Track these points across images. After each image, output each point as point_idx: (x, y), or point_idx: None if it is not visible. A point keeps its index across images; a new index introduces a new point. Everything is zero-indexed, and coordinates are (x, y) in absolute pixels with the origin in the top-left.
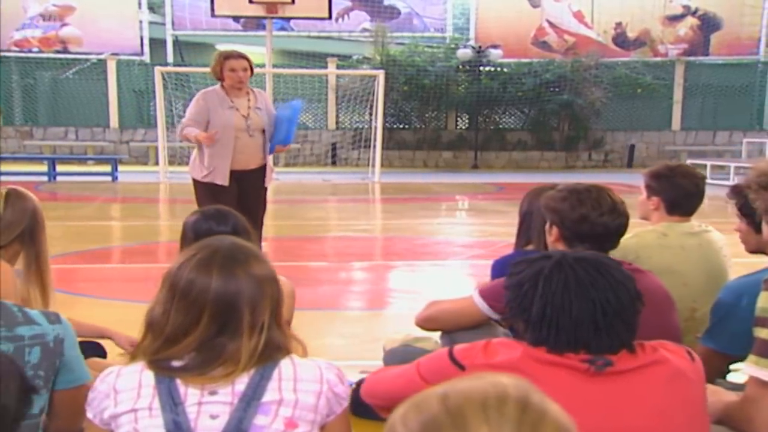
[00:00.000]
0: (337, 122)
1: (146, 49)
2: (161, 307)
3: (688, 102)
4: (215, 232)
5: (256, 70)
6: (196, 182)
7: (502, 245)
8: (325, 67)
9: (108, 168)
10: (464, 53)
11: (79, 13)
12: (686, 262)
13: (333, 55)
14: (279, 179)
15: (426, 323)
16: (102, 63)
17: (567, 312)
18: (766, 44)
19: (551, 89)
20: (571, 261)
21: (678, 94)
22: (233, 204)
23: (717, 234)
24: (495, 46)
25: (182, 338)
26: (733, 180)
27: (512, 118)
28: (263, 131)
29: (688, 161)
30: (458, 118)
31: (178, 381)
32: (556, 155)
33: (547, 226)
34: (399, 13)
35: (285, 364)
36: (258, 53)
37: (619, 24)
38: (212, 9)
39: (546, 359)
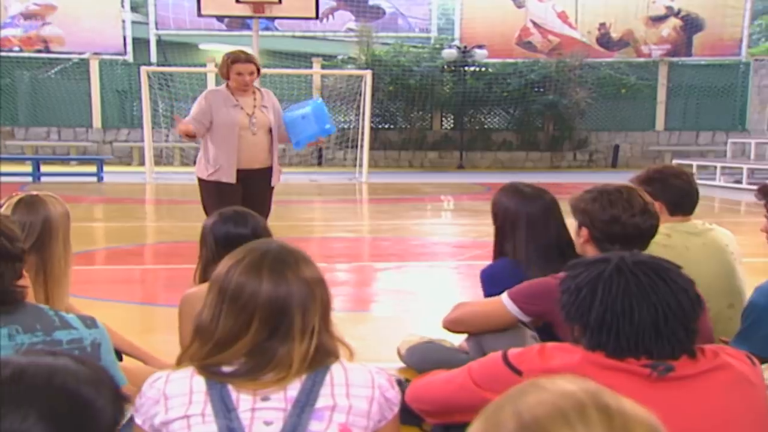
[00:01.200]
0: None
1: (129, 48)
2: (210, 312)
3: (672, 102)
4: (233, 234)
5: None
6: (201, 181)
7: None
8: (310, 67)
9: (92, 168)
10: (449, 53)
11: (61, 12)
12: (691, 262)
13: (317, 55)
14: None
15: (453, 325)
16: (84, 62)
17: (628, 317)
18: (748, 45)
19: (536, 89)
20: (630, 265)
21: (661, 95)
22: (238, 203)
23: (722, 231)
24: (480, 47)
25: (232, 343)
26: (719, 180)
27: (497, 118)
28: (269, 131)
29: (674, 161)
30: (443, 119)
31: (230, 387)
32: (541, 155)
33: (576, 227)
34: (384, 13)
35: (336, 369)
36: None
37: (602, 24)
38: (198, 8)
39: (606, 364)
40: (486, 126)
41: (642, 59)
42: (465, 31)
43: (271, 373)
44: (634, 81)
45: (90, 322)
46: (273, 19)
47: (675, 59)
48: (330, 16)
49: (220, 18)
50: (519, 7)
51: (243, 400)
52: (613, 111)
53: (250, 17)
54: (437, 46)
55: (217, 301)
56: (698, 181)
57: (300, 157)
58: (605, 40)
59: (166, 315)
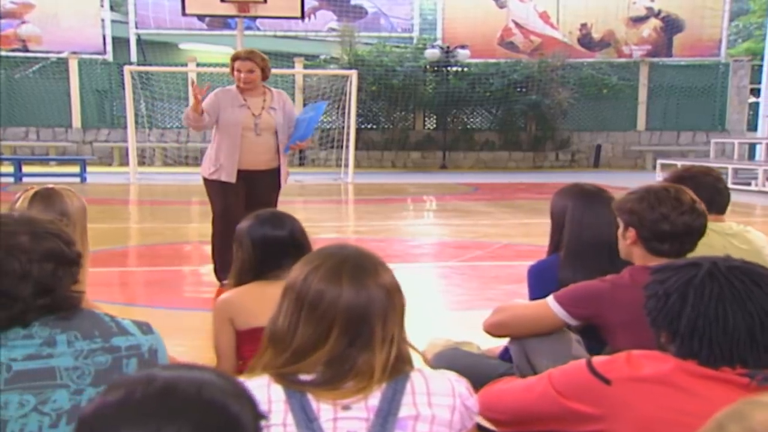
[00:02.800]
0: None
1: (109, 48)
2: (286, 320)
3: (653, 102)
4: (271, 236)
5: (226, 69)
6: (204, 180)
7: (498, 246)
8: (292, 67)
9: (75, 169)
10: (432, 53)
11: (39, 10)
12: None
13: (299, 55)
14: None
15: (495, 329)
16: (63, 62)
17: (721, 325)
18: (727, 46)
19: (518, 89)
20: (724, 270)
21: (642, 95)
22: (241, 203)
23: (756, 233)
24: (462, 47)
25: (311, 352)
26: None
27: (480, 118)
28: (275, 132)
29: (658, 161)
30: (426, 119)
31: (309, 396)
32: (523, 155)
33: (621, 228)
34: (366, 12)
35: (416, 377)
36: (223, 53)
37: (584, 25)
38: (183, 7)
39: (700, 373)
40: (469, 126)
41: (623, 60)
42: (447, 31)
43: (351, 382)
44: (615, 81)
45: (146, 328)
46: (254, 18)
47: (655, 60)
48: (312, 16)
49: (201, 17)
50: (501, 7)
51: (324, 409)
52: (594, 111)
53: (235, 17)
54: (420, 46)
55: (294, 308)
56: None
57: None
58: (586, 41)
59: (159, 316)
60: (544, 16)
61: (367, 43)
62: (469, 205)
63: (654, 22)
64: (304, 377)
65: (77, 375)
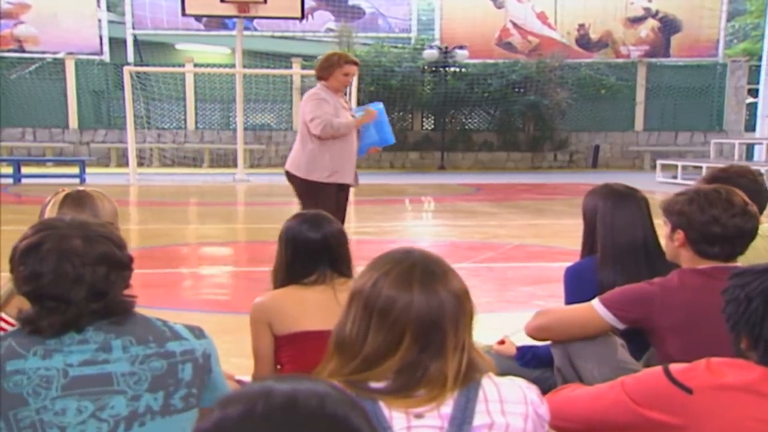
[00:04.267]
0: None
1: (106, 48)
2: (355, 327)
3: (651, 103)
4: (302, 237)
5: (225, 70)
6: (314, 184)
7: (510, 247)
8: (290, 68)
9: (73, 170)
10: (430, 54)
11: (35, 11)
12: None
13: (297, 56)
14: (249, 181)
15: (538, 333)
16: (60, 62)
17: None
18: (725, 46)
19: (517, 90)
20: None
21: (640, 95)
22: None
23: None
24: (461, 47)
25: (382, 359)
26: None
27: (478, 118)
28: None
29: (658, 161)
30: (424, 119)
31: (381, 403)
32: (522, 156)
33: (668, 230)
34: (363, 13)
35: (487, 384)
36: (220, 53)
37: (582, 25)
38: (183, 8)
39: None
40: (467, 126)
41: (621, 60)
42: (445, 31)
43: (423, 390)
44: (613, 81)
45: (198, 332)
46: (252, 18)
47: (653, 60)
48: (309, 16)
49: (198, 18)
50: (499, 7)
51: (396, 418)
52: (592, 111)
53: (236, 17)
54: (418, 46)
55: (362, 315)
56: (684, 182)
57: (280, 158)
58: (584, 41)
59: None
60: (542, 17)
61: (364, 44)
62: (473, 205)
63: (652, 23)
64: (375, 385)
65: (134, 381)
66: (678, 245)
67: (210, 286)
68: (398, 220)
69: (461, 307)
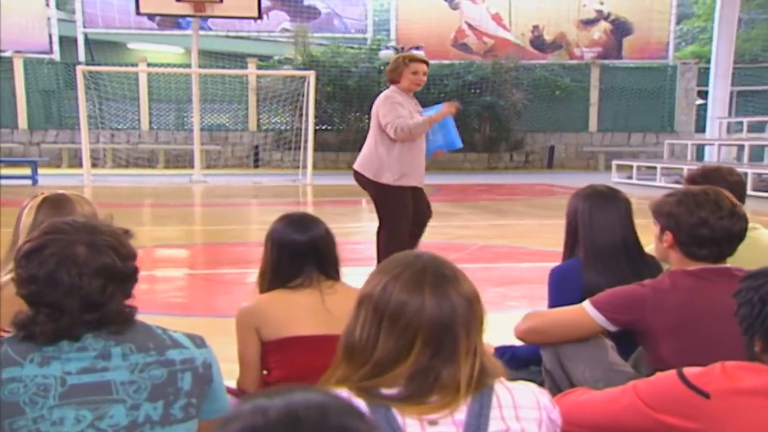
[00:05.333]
0: (258, 124)
1: (56, 47)
2: (364, 332)
3: (604, 104)
4: (287, 240)
5: (181, 70)
6: (383, 186)
7: (475, 248)
8: (245, 68)
9: (25, 171)
10: (387, 54)
11: None
12: (737, 262)
13: (252, 56)
14: (206, 182)
15: (529, 335)
16: (7, 61)
17: None
18: (675, 49)
19: (473, 91)
20: None
21: (594, 96)
22: (410, 205)
23: (763, 231)
24: (417, 48)
25: (393, 365)
26: (660, 180)
27: None
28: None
29: (613, 162)
30: None
31: (395, 410)
32: (478, 156)
33: (657, 231)
34: (319, 13)
35: (500, 390)
36: (173, 53)
37: (536, 27)
38: (137, 6)
39: None
40: None
41: (575, 61)
42: (401, 32)
43: (436, 397)
44: (567, 83)
45: (199, 341)
46: (209, 18)
47: (606, 62)
48: (265, 16)
49: (151, 17)
50: (454, 8)
51: (410, 424)
52: (547, 112)
53: (191, 16)
54: (374, 47)
55: (372, 320)
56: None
57: (236, 158)
58: (539, 43)
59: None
60: (497, 18)
61: (320, 44)
62: (434, 206)
63: (604, 25)
64: (387, 391)
65: (133, 389)
66: (667, 246)
67: (171, 289)
68: (362, 221)
69: (472, 311)
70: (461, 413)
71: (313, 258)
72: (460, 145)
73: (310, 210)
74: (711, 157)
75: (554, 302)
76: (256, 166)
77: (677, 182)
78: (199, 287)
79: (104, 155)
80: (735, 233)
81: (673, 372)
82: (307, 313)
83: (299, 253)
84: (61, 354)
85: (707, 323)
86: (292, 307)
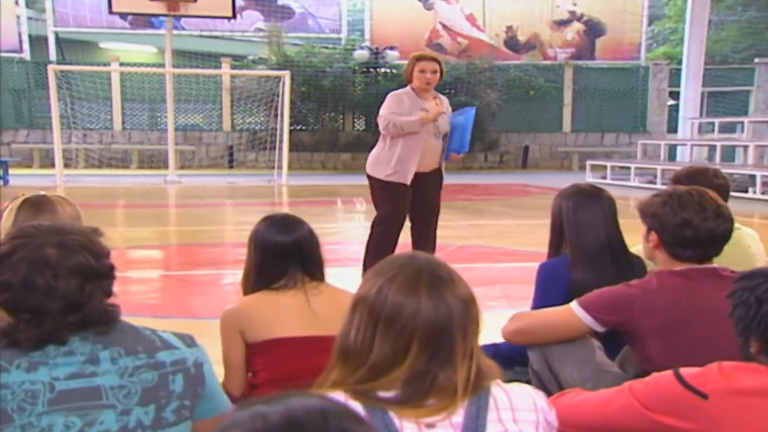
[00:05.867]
0: (232, 124)
1: (26, 46)
2: (360, 335)
3: (578, 104)
4: (270, 242)
5: (155, 69)
6: (375, 180)
7: (453, 248)
8: (219, 67)
9: None
10: (361, 54)
11: None
12: (720, 263)
13: (225, 55)
14: (181, 182)
15: (516, 336)
16: None
17: None
18: (647, 50)
19: (447, 91)
20: None
21: (568, 97)
22: (408, 203)
23: (746, 231)
24: (391, 48)
25: (389, 369)
26: (634, 180)
27: None
28: (444, 136)
29: (588, 162)
30: (356, 120)
31: (392, 414)
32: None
33: (644, 231)
34: (293, 13)
35: (497, 392)
36: (146, 52)
37: (510, 27)
38: (110, 5)
39: None
40: None
41: (548, 62)
42: (375, 32)
43: (433, 400)
44: (541, 83)
45: (189, 341)
46: (182, 17)
47: (580, 62)
48: (239, 16)
49: (123, 16)
50: (428, 9)
51: (408, 428)
52: (522, 112)
53: (165, 15)
54: (348, 47)
55: (367, 323)
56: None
57: (210, 159)
58: (513, 43)
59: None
60: (471, 19)
61: (295, 44)
62: None
63: (577, 26)
64: (383, 394)
65: (123, 394)
66: (653, 246)
67: (146, 291)
68: (338, 221)
69: (469, 313)
70: (459, 416)
71: (297, 259)
72: (465, 149)
73: (286, 210)
74: (683, 157)
75: (541, 298)
76: (231, 167)
77: (650, 182)
78: (174, 288)
79: (77, 155)
80: (719, 234)
81: (669, 372)
82: (292, 314)
83: (283, 255)
84: (48, 359)
85: (695, 323)
86: (277, 308)
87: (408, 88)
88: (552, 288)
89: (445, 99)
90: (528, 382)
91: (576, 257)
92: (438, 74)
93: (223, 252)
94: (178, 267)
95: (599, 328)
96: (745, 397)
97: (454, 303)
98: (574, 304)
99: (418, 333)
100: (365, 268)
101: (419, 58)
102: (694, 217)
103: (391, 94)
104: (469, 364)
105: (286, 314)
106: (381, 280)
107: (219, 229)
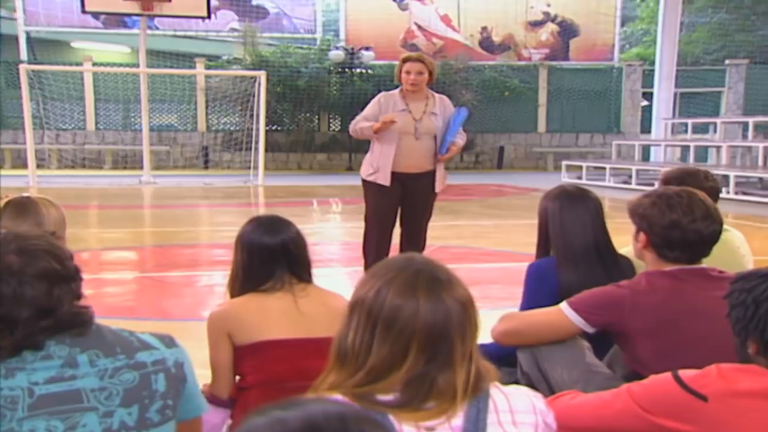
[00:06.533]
0: (207, 124)
1: None
2: (358, 338)
3: (552, 105)
4: (257, 243)
5: (129, 69)
6: (362, 181)
7: (433, 249)
8: (193, 67)
9: None
10: (336, 55)
11: None
12: (710, 263)
13: (200, 55)
14: (156, 183)
15: (506, 337)
16: None
17: None
18: (620, 51)
19: None
20: None
21: (542, 98)
22: (395, 206)
23: (734, 233)
24: (366, 48)
25: (388, 372)
26: (609, 180)
27: None
28: (435, 137)
29: (563, 162)
30: (331, 120)
31: (391, 417)
32: None
33: (634, 232)
34: (268, 13)
35: (496, 394)
36: (119, 52)
37: (484, 28)
38: (82, 4)
39: None
40: None
41: (523, 63)
42: (350, 32)
43: (433, 403)
44: (516, 84)
45: (168, 341)
46: (153, 17)
47: (554, 63)
48: (213, 16)
49: (96, 15)
50: (403, 9)
51: (407, 431)
52: (497, 113)
53: (139, 15)
54: (323, 47)
55: (365, 325)
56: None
57: (185, 159)
58: (487, 44)
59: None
60: (446, 19)
61: (269, 44)
62: None
63: (551, 27)
64: (382, 397)
65: (105, 396)
66: (641, 247)
67: (121, 293)
68: (317, 222)
69: (467, 315)
70: (458, 419)
71: (285, 260)
72: (443, 151)
73: (263, 211)
74: (657, 157)
75: (529, 298)
76: (206, 167)
77: (625, 182)
78: (149, 290)
79: (49, 156)
80: (707, 236)
81: (668, 375)
82: (280, 316)
83: (270, 256)
84: (25, 364)
85: (684, 324)
86: (265, 310)
87: (398, 89)
88: (540, 289)
89: (443, 98)
90: (516, 382)
91: (563, 258)
92: (425, 75)
93: (199, 253)
94: (153, 269)
95: (589, 329)
96: (745, 399)
97: (453, 305)
98: (563, 305)
99: (417, 335)
100: (365, 264)
101: (405, 60)
102: (682, 218)
103: (380, 95)
104: (468, 366)
105: (274, 316)
106: (379, 282)
107: (195, 230)
